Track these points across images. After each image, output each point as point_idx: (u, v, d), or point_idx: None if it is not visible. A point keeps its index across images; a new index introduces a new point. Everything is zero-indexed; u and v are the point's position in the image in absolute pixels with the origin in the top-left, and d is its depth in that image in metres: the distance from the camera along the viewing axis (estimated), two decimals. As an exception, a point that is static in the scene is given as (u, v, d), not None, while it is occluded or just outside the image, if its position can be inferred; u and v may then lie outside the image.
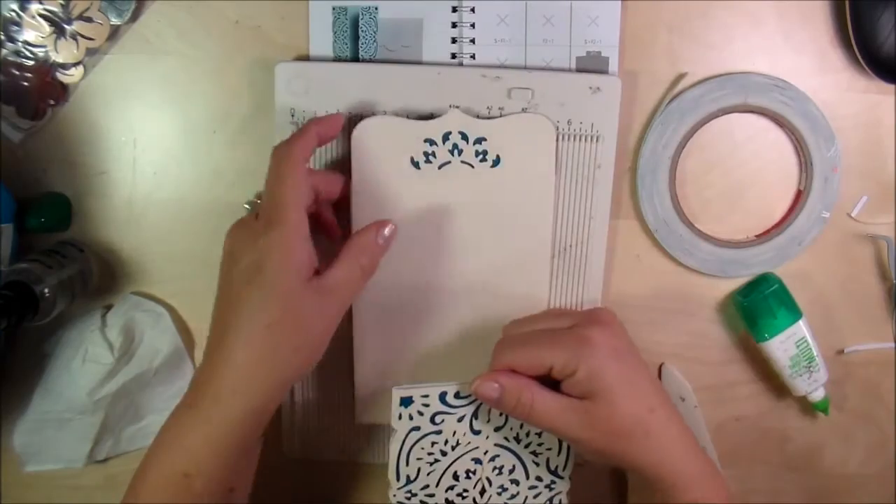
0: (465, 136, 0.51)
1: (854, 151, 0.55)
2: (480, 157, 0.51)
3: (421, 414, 0.49)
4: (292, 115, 0.52)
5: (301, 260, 0.43)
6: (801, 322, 0.55)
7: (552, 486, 0.52)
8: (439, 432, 0.50)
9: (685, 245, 0.55)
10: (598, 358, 0.45)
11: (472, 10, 0.52)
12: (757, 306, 0.54)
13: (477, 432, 0.50)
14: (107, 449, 0.58)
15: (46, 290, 0.50)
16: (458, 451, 0.50)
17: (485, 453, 0.51)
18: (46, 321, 0.51)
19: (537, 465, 0.52)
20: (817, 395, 0.56)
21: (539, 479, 0.52)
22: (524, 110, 0.52)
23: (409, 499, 0.51)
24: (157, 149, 0.55)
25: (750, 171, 0.55)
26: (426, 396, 0.49)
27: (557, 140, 0.52)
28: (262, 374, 0.43)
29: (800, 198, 0.55)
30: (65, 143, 0.55)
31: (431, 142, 0.51)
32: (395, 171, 0.51)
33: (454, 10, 0.52)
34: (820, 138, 0.54)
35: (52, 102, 0.54)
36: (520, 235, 0.52)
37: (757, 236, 0.56)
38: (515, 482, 0.52)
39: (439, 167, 0.51)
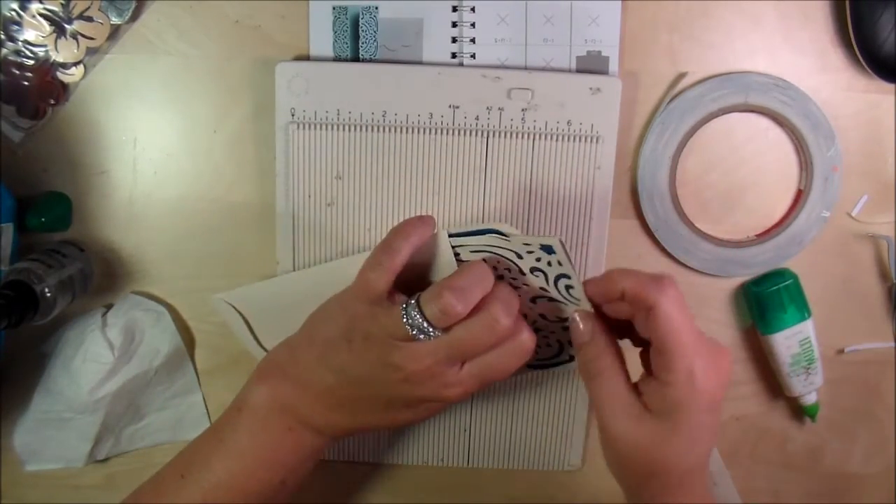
0: None
1: (854, 151, 0.55)
2: None
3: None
4: (293, 115, 0.52)
5: None
6: (808, 322, 0.55)
7: None
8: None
9: (685, 245, 0.55)
10: (691, 390, 0.40)
11: (473, 9, 0.52)
12: (769, 298, 0.54)
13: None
14: (107, 448, 0.58)
15: (47, 290, 0.50)
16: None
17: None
18: (47, 321, 0.51)
19: None
20: (810, 398, 0.57)
21: None
22: (524, 111, 0.52)
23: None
24: (158, 148, 0.55)
25: (750, 170, 0.55)
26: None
27: (556, 141, 0.52)
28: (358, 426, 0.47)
29: (800, 197, 0.55)
30: (65, 142, 0.55)
31: None
32: None
33: (454, 9, 0.52)
34: (820, 138, 0.54)
35: (52, 102, 0.54)
36: None
37: (757, 236, 0.56)
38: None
39: None
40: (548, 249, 0.43)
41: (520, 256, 0.45)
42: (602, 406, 0.43)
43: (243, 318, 0.54)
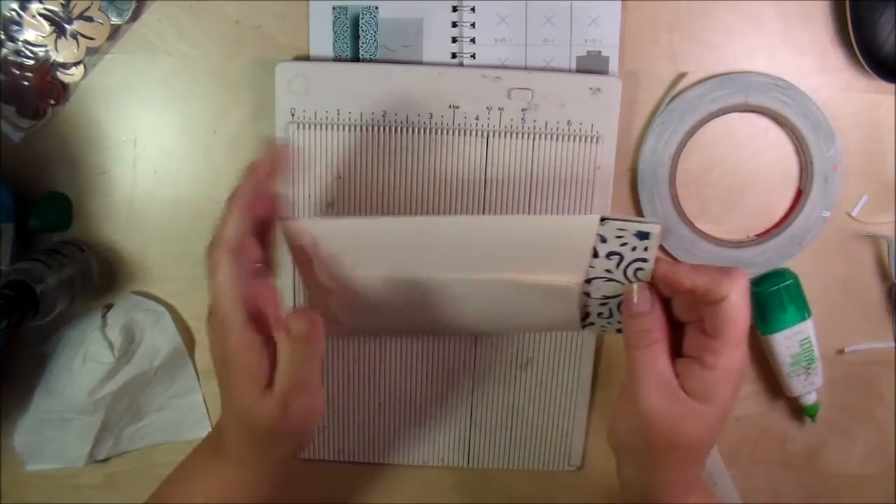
0: None
1: (854, 151, 0.55)
2: None
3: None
4: (293, 115, 0.52)
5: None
6: (808, 322, 0.55)
7: None
8: None
9: (685, 245, 0.55)
10: (732, 376, 0.43)
11: (473, 9, 0.52)
12: (769, 298, 0.54)
13: None
14: (107, 448, 0.58)
15: (47, 290, 0.50)
16: None
17: None
18: (47, 321, 0.51)
19: None
20: (810, 398, 0.57)
21: None
22: (524, 111, 0.52)
23: None
24: (158, 148, 0.55)
25: (750, 170, 0.55)
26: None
27: (556, 141, 0.52)
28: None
29: (800, 197, 0.55)
30: (65, 142, 0.55)
31: None
32: None
33: (454, 9, 0.52)
34: (820, 138, 0.54)
35: (52, 102, 0.54)
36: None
37: (757, 236, 0.56)
38: None
39: None
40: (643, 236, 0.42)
41: (603, 240, 0.44)
42: (640, 377, 0.43)
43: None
